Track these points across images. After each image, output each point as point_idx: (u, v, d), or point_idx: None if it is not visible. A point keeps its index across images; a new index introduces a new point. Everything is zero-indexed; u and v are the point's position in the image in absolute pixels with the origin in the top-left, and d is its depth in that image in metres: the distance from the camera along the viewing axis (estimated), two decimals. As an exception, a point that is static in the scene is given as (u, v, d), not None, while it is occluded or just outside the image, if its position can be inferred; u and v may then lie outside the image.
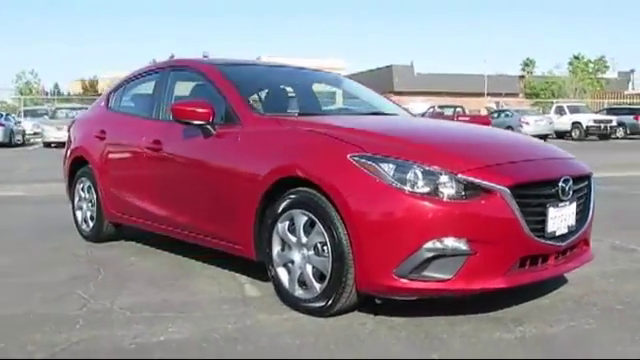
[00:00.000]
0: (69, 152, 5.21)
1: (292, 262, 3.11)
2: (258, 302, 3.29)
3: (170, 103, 4.20)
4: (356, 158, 2.81)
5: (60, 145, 19.09)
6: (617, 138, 26.09)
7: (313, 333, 2.78)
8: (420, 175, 2.71)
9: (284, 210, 3.10)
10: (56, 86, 56.30)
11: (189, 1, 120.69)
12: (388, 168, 2.74)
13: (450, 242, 2.66)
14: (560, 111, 27.00)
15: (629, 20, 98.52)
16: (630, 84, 59.76)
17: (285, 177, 3.07)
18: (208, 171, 3.57)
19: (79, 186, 5.05)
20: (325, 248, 2.92)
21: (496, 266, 2.74)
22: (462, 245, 2.67)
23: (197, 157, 3.69)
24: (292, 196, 3.05)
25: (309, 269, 3.01)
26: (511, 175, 2.79)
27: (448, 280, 2.69)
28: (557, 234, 2.94)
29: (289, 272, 3.14)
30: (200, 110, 3.54)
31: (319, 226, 2.91)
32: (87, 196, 4.95)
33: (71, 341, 2.70)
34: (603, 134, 25.38)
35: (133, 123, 4.47)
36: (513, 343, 2.67)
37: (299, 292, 3.08)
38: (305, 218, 3.00)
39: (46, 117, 22.87)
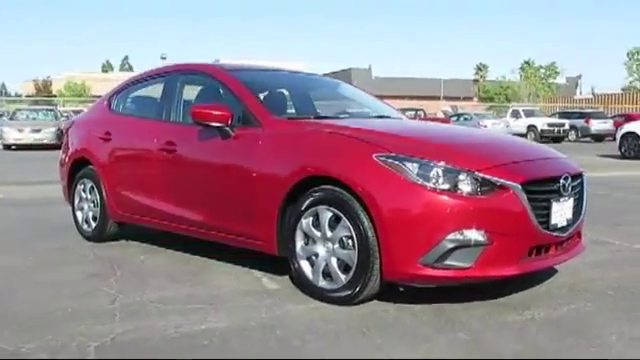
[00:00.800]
0: (69, 154, 5.27)
1: (316, 255, 3.32)
2: (280, 294, 3.48)
3: (180, 106, 4.37)
4: (382, 158, 3.05)
5: (21, 147, 18.78)
6: (570, 141, 27.21)
7: (343, 320, 3.01)
8: (441, 173, 2.98)
9: (308, 207, 3.31)
10: (3, 86, 54.64)
11: (143, 2, 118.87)
12: (412, 167, 2.99)
13: (470, 234, 2.94)
14: (516, 115, 27.98)
15: (575, 28, 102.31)
16: (578, 89, 62.25)
17: (311, 176, 3.29)
18: (228, 171, 3.75)
19: (80, 187, 5.12)
20: (350, 241, 3.15)
21: (510, 255, 3.04)
22: (480, 236, 2.95)
23: (216, 158, 3.86)
24: (317, 194, 3.27)
25: (334, 261, 3.24)
26: (522, 173, 3.09)
27: (468, 268, 2.96)
28: (559, 226, 3.26)
29: (312, 265, 3.35)
30: (220, 113, 3.72)
31: (345, 221, 3.14)
32: (89, 197, 5.02)
33: (117, 332, 2.85)
34: (557, 137, 26.41)
35: (141, 125, 4.59)
36: (526, 324, 2.96)
37: (323, 283, 3.30)
38: (330, 214, 3.23)
39: (4, 118, 22.27)
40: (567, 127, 26.88)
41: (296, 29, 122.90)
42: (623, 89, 48.48)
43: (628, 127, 16.62)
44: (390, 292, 3.26)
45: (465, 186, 2.96)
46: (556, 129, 26.58)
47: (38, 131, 18.98)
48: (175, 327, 2.92)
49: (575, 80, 63.30)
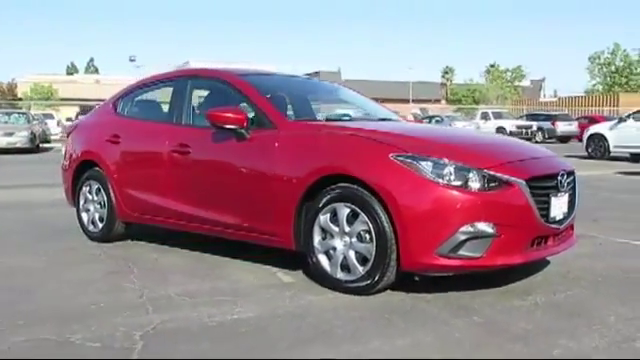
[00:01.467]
0: (74, 156, 5.37)
1: (334, 249, 3.55)
2: (297, 286, 3.69)
3: (191, 110, 4.55)
4: (398, 157, 3.30)
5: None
6: (537, 142, 28.01)
7: (365, 307, 3.25)
8: (453, 171, 3.24)
9: (326, 204, 3.53)
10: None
11: (112, 4, 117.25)
12: (427, 165, 3.25)
13: (480, 226, 3.21)
14: (485, 117, 28.73)
15: (538, 31, 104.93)
16: (542, 91, 64.03)
17: (329, 175, 3.51)
18: (245, 172, 3.94)
19: (85, 189, 5.22)
20: (368, 235, 3.38)
21: (515, 245, 3.33)
22: (490, 229, 3.22)
23: (232, 159, 4.04)
24: (335, 191, 3.49)
25: (352, 254, 3.46)
26: (526, 170, 3.39)
27: (479, 258, 3.23)
28: (557, 219, 3.56)
29: (330, 258, 3.57)
30: (236, 116, 3.92)
31: (363, 216, 3.37)
32: (95, 198, 5.14)
33: (156, 322, 3.02)
34: (525, 138, 27.10)
35: (152, 128, 4.75)
36: (531, 308, 3.25)
37: (340, 275, 3.52)
38: (348, 210, 3.45)
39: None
40: (534, 129, 27.70)
41: (265, 31, 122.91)
42: (586, 92, 50.02)
43: (594, 129, 17.28)
44: (401, 283, 3.49)
45: (475, 183, 3.23)
46: (524, 131, 27.35)
47: (10, 135, 18.70)
48: (209, 317, 3.11)
49: (539, 83, 65.13)
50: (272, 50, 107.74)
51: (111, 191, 4.95)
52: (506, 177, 3.28)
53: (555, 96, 56.81)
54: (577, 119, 30.07)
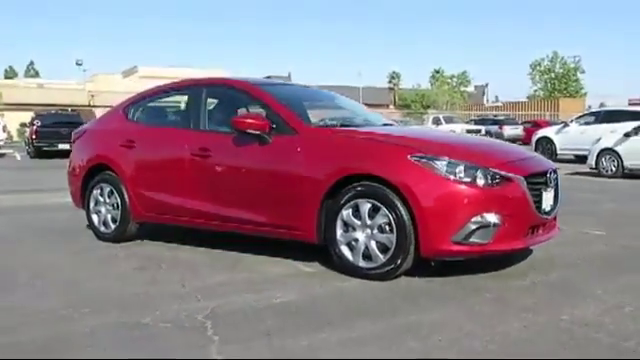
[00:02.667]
0: (83, 161, 5.60)
1: (356, 240, 3.98)
2: (320, 275, 4.11)
3: (207, 117, 4.90)
4: (415, 158, 3.79)
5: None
6: (485, 145, 29.23)
7: (391, 289, 3.71)
8: (464, 169, 3.75)
9: (348, 200, 3.97)
10: None
11: (56, 5, 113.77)
12: (441, 165, 3.75)
13: (488, 216, 3.73)
14: (437, 121, 29.85)
15: (479, 37, 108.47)
16: (485, 96, 66.40)
17: (350, 175, 3.95)
18: (269, 174, 4.33)
19: (96, 192, 5.45)
20: (388, 227, 3.84)
21: (516, 233, 3.87)
22: (496, 219, 3.74)
23: (257, 163, 4.41)
24: (358, 188, 3.94)
25: (373, 244, 3.91)
26: (524, 168, 3.94)
27: (486, 244, 3.75)
28: (546, 210, 4.12)
29: (352, 249, 4.01)
30: (260, 122, 4.32)
31: (384, 210, 3.83)
32: (108, 200, 5.38)
33: (211, 307, 3.37)
34: (474, 142, 28.32)
35: (168, 133, 5.07)
36: (531, 287, 3.78)
37: (362, 263, 3.96)
38: (369, 205, 3.90)
39: None
40: (483, 132, 28.93)
41: (214, 35, 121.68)
42: (528, 97, 52.34)
43: (542, 132, 18.40)
44: (411, 270, 3.95)
45: (483, 179, 3.75)
46: (473, 134, 28.56)
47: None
48: (255, 301, 3.48)
49: (482, 88, 67.54)
50: (222, 54, 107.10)
51: (125, 193, 5.21)
52: (509, 174, 3.81)
53: (497, 101, 59.14)
54: (522, 123, 31.58)
